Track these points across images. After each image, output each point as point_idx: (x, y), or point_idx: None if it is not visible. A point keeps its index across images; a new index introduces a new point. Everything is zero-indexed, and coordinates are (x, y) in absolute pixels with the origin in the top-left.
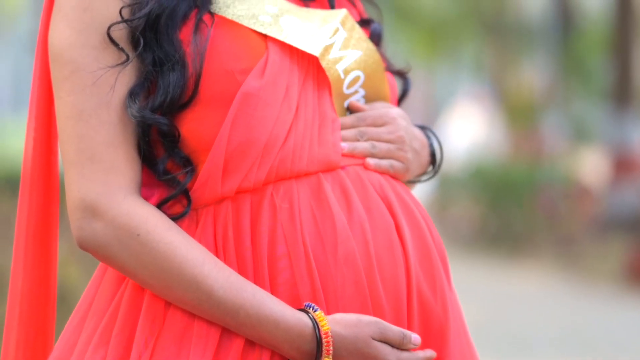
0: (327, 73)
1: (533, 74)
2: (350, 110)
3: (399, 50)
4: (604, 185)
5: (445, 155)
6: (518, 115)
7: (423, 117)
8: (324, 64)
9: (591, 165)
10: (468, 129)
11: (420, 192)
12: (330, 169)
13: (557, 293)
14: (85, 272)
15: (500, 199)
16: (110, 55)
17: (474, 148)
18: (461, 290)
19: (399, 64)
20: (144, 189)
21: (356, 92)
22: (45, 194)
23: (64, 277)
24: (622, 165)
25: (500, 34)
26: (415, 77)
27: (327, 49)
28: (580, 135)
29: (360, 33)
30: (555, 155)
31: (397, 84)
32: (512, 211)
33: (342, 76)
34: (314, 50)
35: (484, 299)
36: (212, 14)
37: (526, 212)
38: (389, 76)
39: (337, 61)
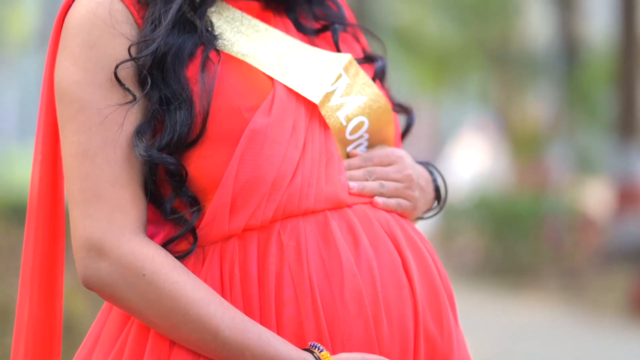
0: (327, 121)
1: (538, 105)
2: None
3: (403, 81)
4: (609, 217)
5: (450, 185)
6: (523, 146)
7: (428, 147)
8: (323, 111)
9: (596, 197)
10: (473, 160)
11: (425, 222)
12: (337, 206)
13: (561, 324)
14: (92, 304)
15: (505, 229)
16: (117, 93)
17: (479, 178)
18: (466, 321)
19: (403, 97)
20: (151, 226)
21: (360, 137)
22: (51, 227)
23: (70, 309)
24: (626, 197)
25: (505, 65)
26: (420, 108)
27: (327, 96)
28: (585, 166)
29: (365, 78)
30: (560, 186)
31: (400, 121)
32: (516, 242)
33: (344, 123)
34: (314, 97)
35: (489, 330)
36: (218, 51)
37: (531, 243)
38: (393, 115)
39: (338, 108)
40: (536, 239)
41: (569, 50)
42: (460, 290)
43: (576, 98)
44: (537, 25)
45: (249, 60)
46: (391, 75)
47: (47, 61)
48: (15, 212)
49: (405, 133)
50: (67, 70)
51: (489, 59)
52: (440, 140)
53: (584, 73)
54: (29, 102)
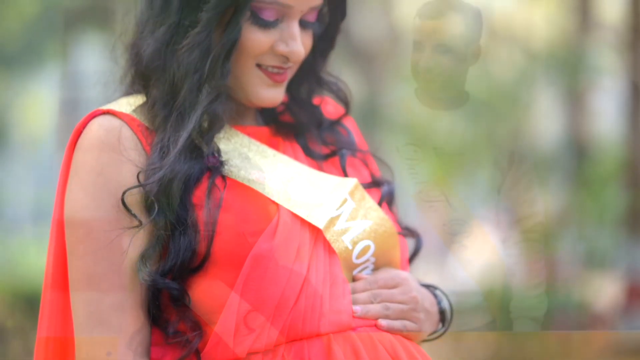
0: (333, 245)
1: (547, 200)
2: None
3: (414, 176)
4: (617, 313)
5: (459, 281)
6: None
7: (438, 242)
8: (328, 236)
9: (604, 292)
10: (482, 253)
11: None
12: (341, 330)
13: None
14: None
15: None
16: (123, 219)
17: (489, 272)
18: None
19: (413, 192)
20: (156, 349)
21: (367, 260)
22: (62, 332)
23: None
24: (635, 293)
25: (515, 160)
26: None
27: (332, 220)
28: (593, 261)
29: (370, 202)
30: (569, 281)
31: (407, 244)
32: (526, 337)
33: (350, 247)
34: (318, 222)
35: None
36: (224, 177)
37: (540, 338)
38: (400, 239)
39: (343, 232)
40: (545, 334)
41: (578, 146)
42: None
43: (585, 194)
44: (546, 122)
45: (254, 186)
46: (401, 172)
47: (58, 184)
48: (29, 302)
49: (413, 257)
50: (75, 196)
51: (499, 154)
52: (450, 234)
53: (592, 169)
54: (45, 190)
